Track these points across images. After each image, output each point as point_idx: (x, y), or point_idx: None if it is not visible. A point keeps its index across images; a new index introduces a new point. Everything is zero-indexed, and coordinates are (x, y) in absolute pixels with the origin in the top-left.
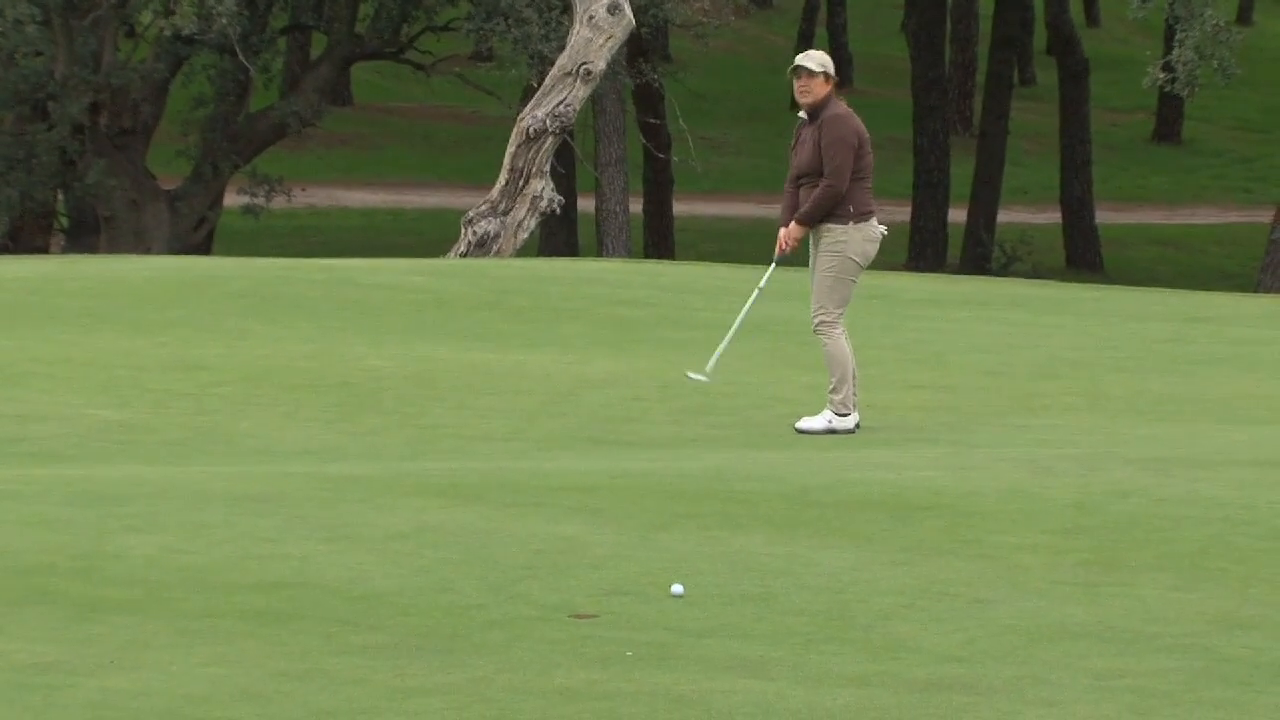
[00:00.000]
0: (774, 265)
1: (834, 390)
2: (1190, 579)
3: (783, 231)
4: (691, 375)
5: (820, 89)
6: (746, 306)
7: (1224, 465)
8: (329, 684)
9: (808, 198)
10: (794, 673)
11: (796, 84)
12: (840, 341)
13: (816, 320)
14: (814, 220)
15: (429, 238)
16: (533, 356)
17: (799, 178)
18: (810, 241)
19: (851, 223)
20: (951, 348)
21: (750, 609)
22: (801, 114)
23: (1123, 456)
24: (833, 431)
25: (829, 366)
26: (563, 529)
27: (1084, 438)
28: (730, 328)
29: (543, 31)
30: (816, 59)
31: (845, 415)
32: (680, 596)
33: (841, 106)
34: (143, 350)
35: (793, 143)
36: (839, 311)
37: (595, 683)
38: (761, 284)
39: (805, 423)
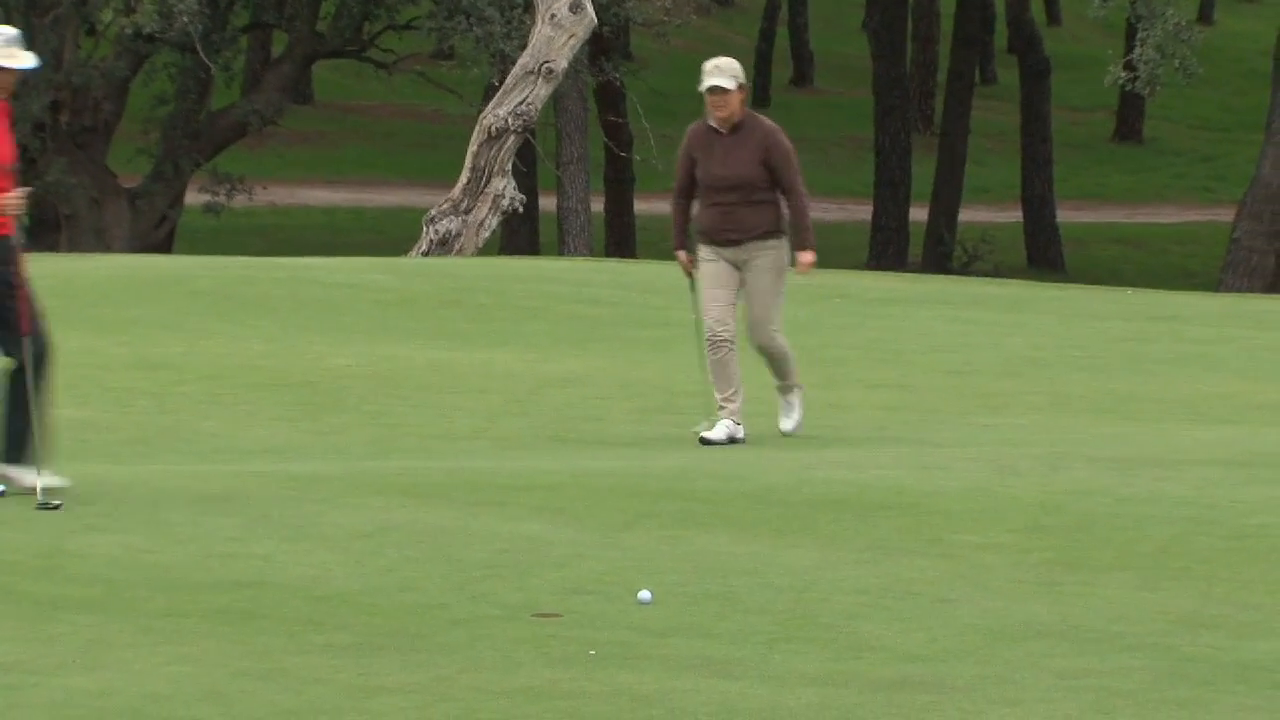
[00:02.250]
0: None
1: (795, 388)
2: (1153, 578)
3: (805, 258)
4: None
5: (739, 102)
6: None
7: (1186, 464)
8: (292, 683)
9: (741, 213)
10: (757, 672)
11: (710, 100)
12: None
13: (770, 336)
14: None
15: (391, 236)
16: (495, 355)
17: (727, 189)
18: (712, 253)
19: (785, 237)
20: (913, 347)
21: (713, 608)
22: (710, 123)
23: (1085, 455)
24: (734, 440)
25: (782, 369)
26: (526, 528)
27: (1046, 437)
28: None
29: (504, 30)
30: (730, 73)
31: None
32: (648, 604)
33: (766, 118)
34: (104, 349)
35: (694, 154)
36: (780, 320)
37: (558, 682)
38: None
39: (786, 423)
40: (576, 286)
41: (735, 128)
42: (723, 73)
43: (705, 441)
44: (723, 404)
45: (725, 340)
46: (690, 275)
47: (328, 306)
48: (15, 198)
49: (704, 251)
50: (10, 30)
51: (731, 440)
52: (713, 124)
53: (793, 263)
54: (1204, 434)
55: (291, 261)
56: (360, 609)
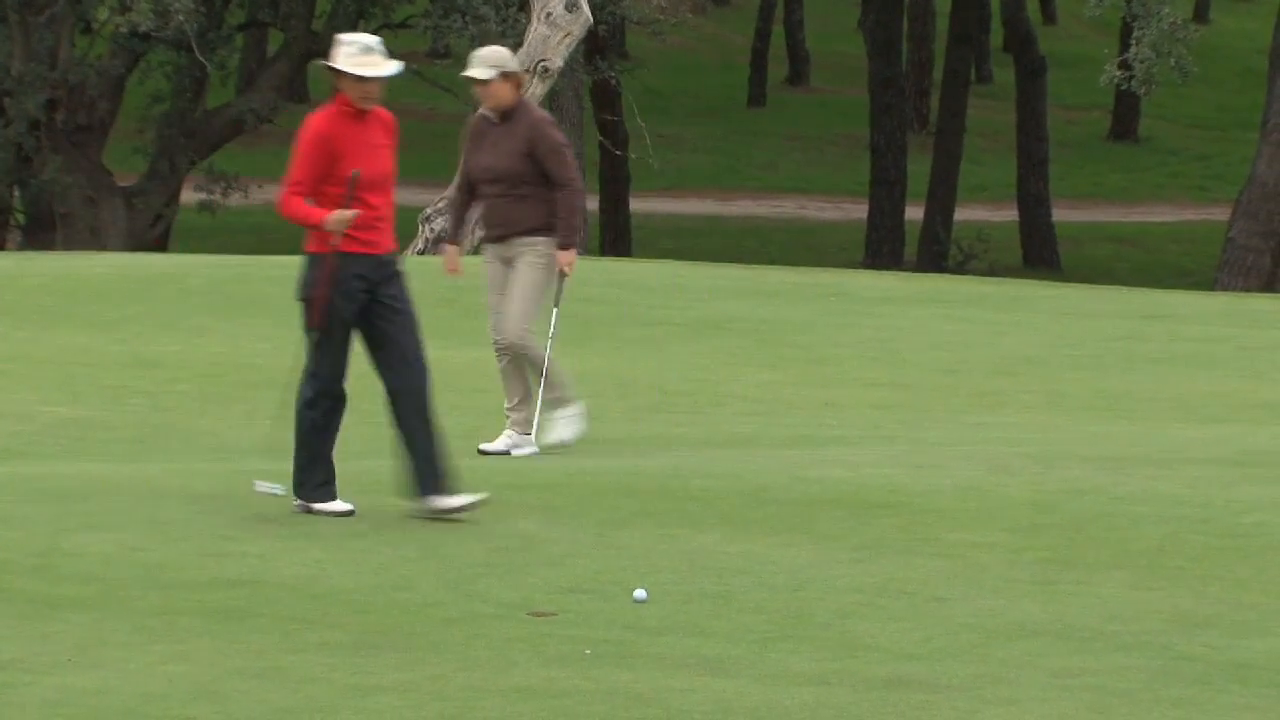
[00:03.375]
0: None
1: (562, 402)
2: (1148, 577)
3: (564, 257)
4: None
5: (505, 91)
6: (548, 353)
7: (1181, 463)
8: (286, 682)
9: (505, 207)
10: (752, 671)
11: (475, 90)
12: (544, 352)
13: (521, 336)
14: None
15: None
16: (490, 354)
17: (491, 182)
18: (490, 254)
19: (550, 235)
20: (908, 345)
21: (708, 607)
22: (485, 112)
23: (1080, 454)
24: (560, 445)
25: (551, 383)
26: (520, 526)
27: (1041, 435)
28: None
29: (500, 29)
30: (489, 62)
31: (578, 415)
32: (643, 602)
33: (540, 109)
34: (99, 347)
35: (468, 143)
36: (534, 321)
37: (553, 680)
38: (552, 332)
39: (555, 436)
40: (571, 285)
41: (505, 118)
42: (483, 62)
43: (482, 452)
44: (508, 413)
45: (505, 347)
46: (452, 273)
47: None
48: (342, 216)
49: (485, 252)
50: (366, 38)
51: (510, 451)
52: (487, 114)
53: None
54: (1198, 433)
55: (287, 260)
56: (355, 607)
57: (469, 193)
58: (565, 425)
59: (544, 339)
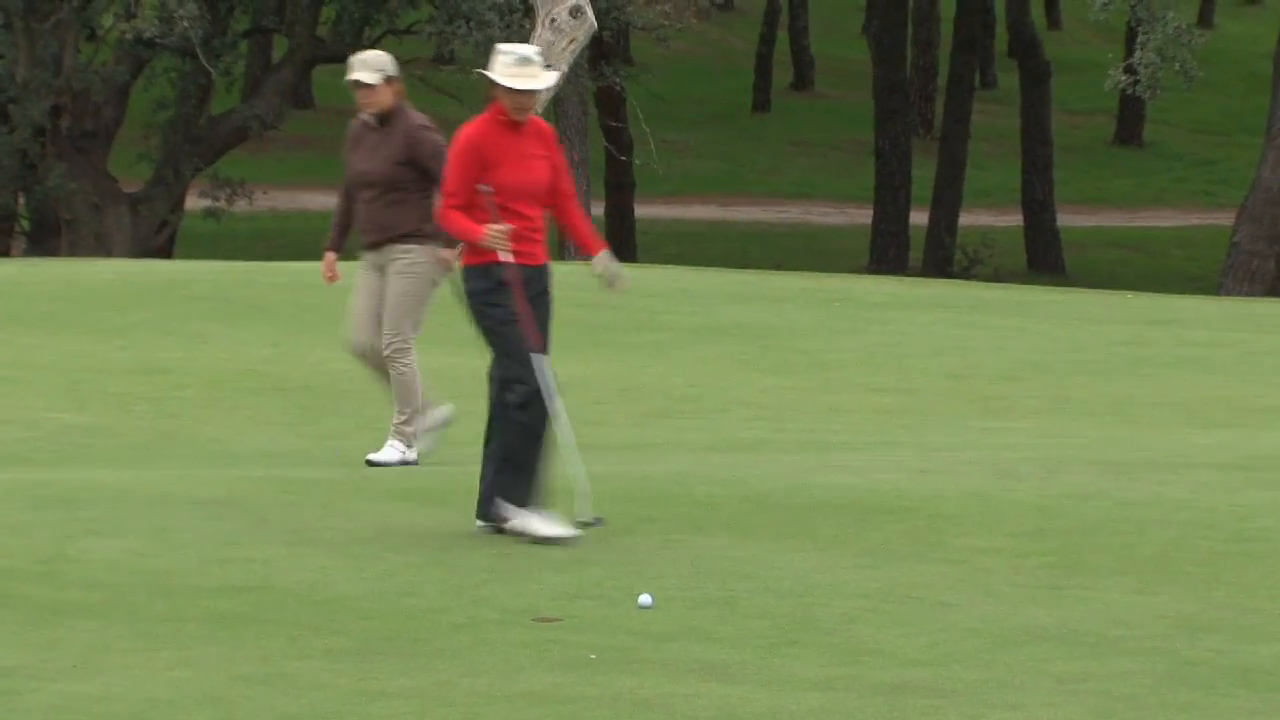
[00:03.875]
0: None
1: (406, 422)
2: (1153, 582)
3: (447, 254)
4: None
5: (386, 95)
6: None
7: (1186, 468)
8: (292, 688)
9: (379, 212)
10: (758, 676)
11: (358, 94)
12: (415, 369)
13: (391, 347)
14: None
15: None
16: None
17: (366, 186)
18: (365, 261)
19: (430, 243)
20: (913, 351)
21: (714, 612)
22: (364, 117)
23: (1085, 459)
24: (405, 463)
25: (401, 396)
26: None
27: (1046, 440)
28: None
29: (504, 34)
30: (373, 66)
31: (412, 447)
32: (649, 608)
33: (420, 114)
34: (104, 354)
35: (349, 147)
36: (415, 336)
37: (559, 686)
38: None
39: (378, 455)
40: (576, 290)
41: (384, 123)
42: (367, 66)
43: (370, 463)
44: (398, 424)
45: (364, 356)
46: (329, 280)
47: (328, 311)
48: (499, 231)
49: (360, 258)
50: (524, 49)
51: (404, 463)
52: (365, 118)
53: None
54: (1204, 438)
55: (292, 266)
56: (360, 614)
57: (349, 199)
58: (392, 451)
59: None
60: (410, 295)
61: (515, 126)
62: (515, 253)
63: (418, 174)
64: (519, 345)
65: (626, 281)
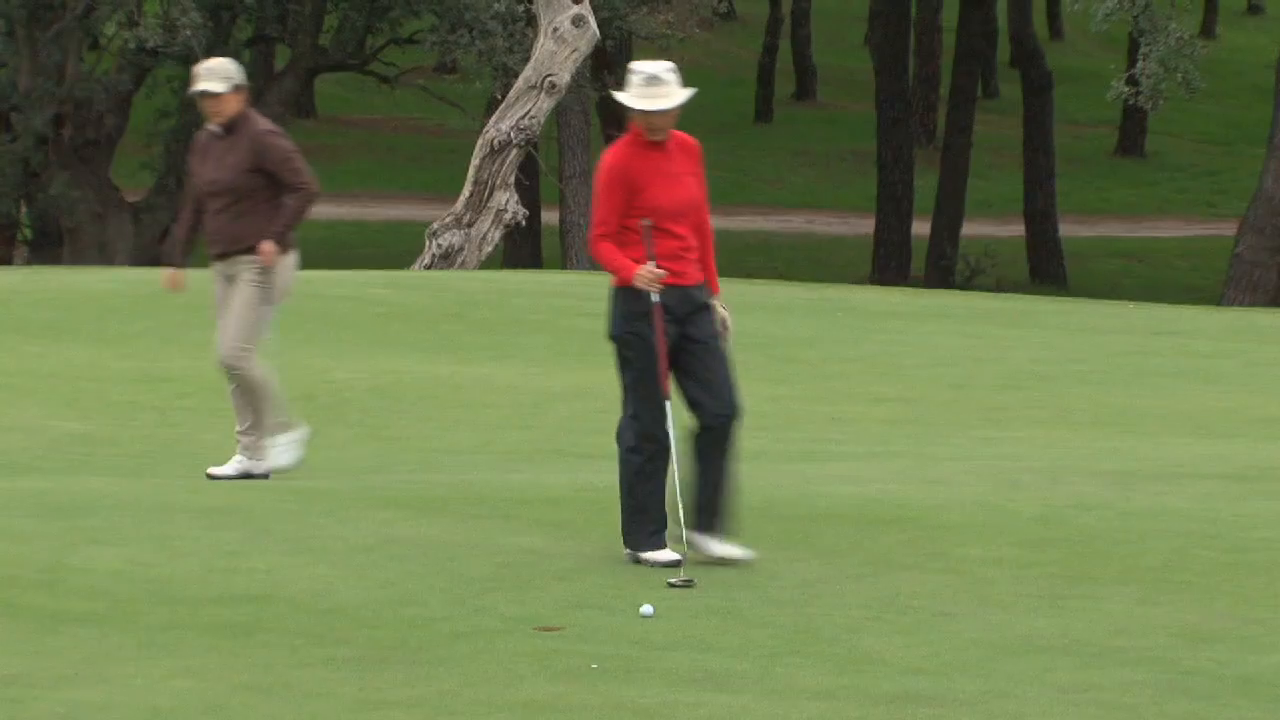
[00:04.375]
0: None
1: (247, 432)
2: (1155, 592)
3: (265, 246)
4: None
5: (232, 104)
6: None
7: (1188, 478)
8: (293, 697)
9: (226, 222)
10: (759, 686)
11: (204, 104)
12: (260, 380)
13: (236, 356)
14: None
15: (393, 250)
16: (498, 369)
17: (213, 196)
18: (215, 271)
19: (288, 247)
20: (915, 361)
21: (715, 622)
22: (210, 126)
23: (1087, 470)
24: (248, 475)
25: (254, 404)
26: (528, 541)
27: (1048, 451)
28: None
29: (507, 44)
30: (220, 75)
31: (256, 459)
32: (650, 617)
33: (266, 120)
34: (107, 362)
35: (196, 157)
36: (255, 345)
37: (560, 695)
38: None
39: (219, 469)
40: (579, 300)
41: (230, 131)
42: (213, 75)
43: (211, 476)
44: (239, 436)
45: (229, 364)
46: (173, 289)
47: (330, 320)
48: (651, 275)
49: (212, 270)
50: (653, 67)
51: (246, 475)
52: (212, 128)
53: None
54: (1206, 448)
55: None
56: (362, 623)
57: (194, 210)
58: (283, 452)
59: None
60: (255, 306)
61: (658, 145)
62: (669, 272)
63: (266, 181)
64: (653, 391)
65: (729, 332)
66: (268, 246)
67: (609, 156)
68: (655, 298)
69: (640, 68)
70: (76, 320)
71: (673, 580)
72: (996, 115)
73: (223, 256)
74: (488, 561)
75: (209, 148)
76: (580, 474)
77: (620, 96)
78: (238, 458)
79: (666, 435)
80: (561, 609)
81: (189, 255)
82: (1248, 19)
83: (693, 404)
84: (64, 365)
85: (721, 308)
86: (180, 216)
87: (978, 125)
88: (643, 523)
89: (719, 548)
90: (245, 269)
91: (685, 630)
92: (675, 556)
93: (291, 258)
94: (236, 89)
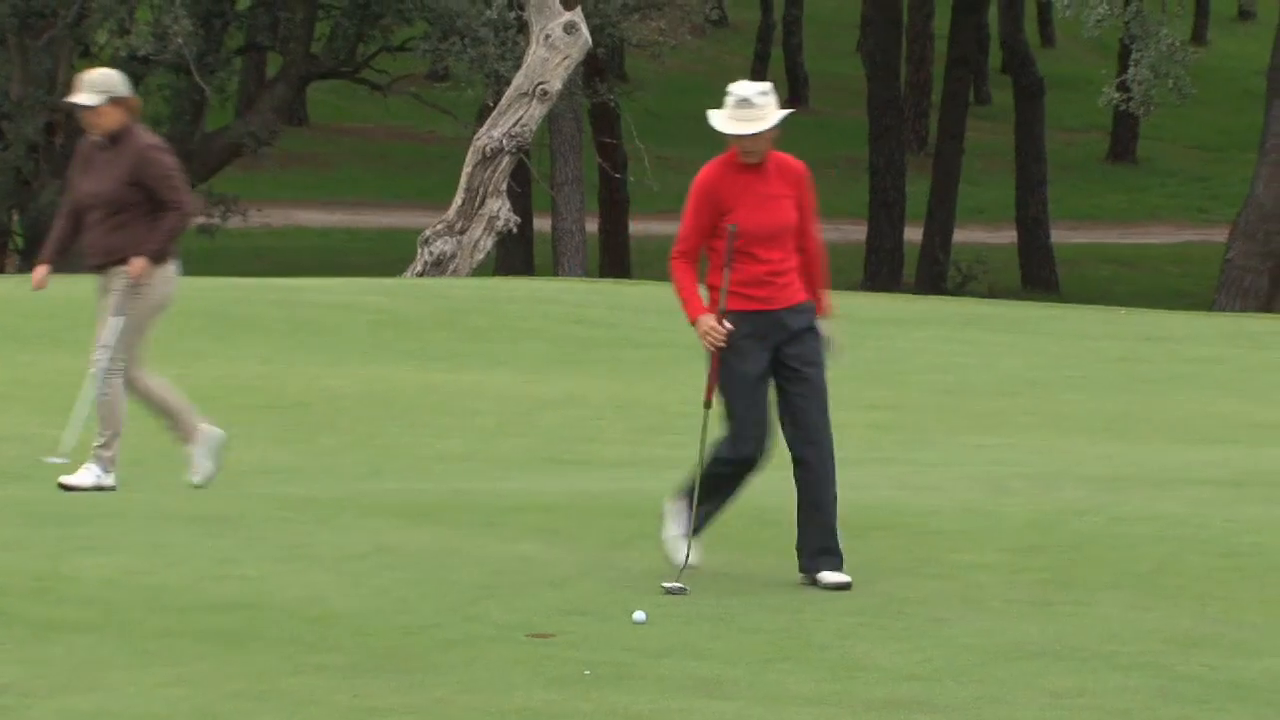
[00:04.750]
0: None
1: (105, 445)
2: (1147, 597)
3: (135, 263)
4: (49, 459)
5: (111, 117)
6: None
7: (1180, 484)
8: (286, 704)
9: (102, 235)
10: (751, 692)
11: (81, 116)
12: (121, 392)
13: (99, 366)
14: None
15: (385, 257)
16: (490, 376)
17: (89, 208)
18: (97, 284)
19: (156, 265)
20: (907, 367)
21: (708, 628)
22: (94, 137)
23: (1079, 475)
24: (100, 488)
25: (104, 418)
26: (520, 548)
27: (1040, 456)
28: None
29: (499, 51)
30: (97, 88)
31: (109, 472)
32: (643, 623)
33: (151, 134)
34: None
35: (79, 167)
36: (131, 355)
37: (553, 702)
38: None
39: (71, 478)
40: (571, 307)
41: (114, 142)
42: (89, 88)
43: (64, 486)
44: (95, 450)
45: (95, 370)
46: (36, 287)
47: (322, 328)
48: (708, 330)
49: (96, 282)
50: (745, 89)
51: (99, 488)
52: (96, 139)
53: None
54: (1197, 453)
55: (286, 283)
56: (355, 630)
57: (71, 219)
58: (88, 474)
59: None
60: (138, 315)
61: (754, 167)
62: (754, 298)
63: (145, 196)
64: (733, 416)
65: (837, 351)
66: (137, 264)
67: (701, 173)
68: (709, 349)
69: (735, 89)
70: (69, 329)
71: (667, 585)
72: (988, 122)
73: (101, 269)
74: (480, 569)
75: (91, 158)
76: (572, 481)
77: (712, 117)
78: (91, 466)
79: (756, 458)
80: (554, 616)
81: (60, 260)
82: (1238, 25)
83: (785, 436)
84: (57, 374)
85: (828, 326)
86: (56, 223)
87: (969, 131)
88: (689, 512)
89: (837, 578)
90: (119, 281)
91: (678, 637)
92: (681, 560)
93: (171, 269)
94: (114, 101)
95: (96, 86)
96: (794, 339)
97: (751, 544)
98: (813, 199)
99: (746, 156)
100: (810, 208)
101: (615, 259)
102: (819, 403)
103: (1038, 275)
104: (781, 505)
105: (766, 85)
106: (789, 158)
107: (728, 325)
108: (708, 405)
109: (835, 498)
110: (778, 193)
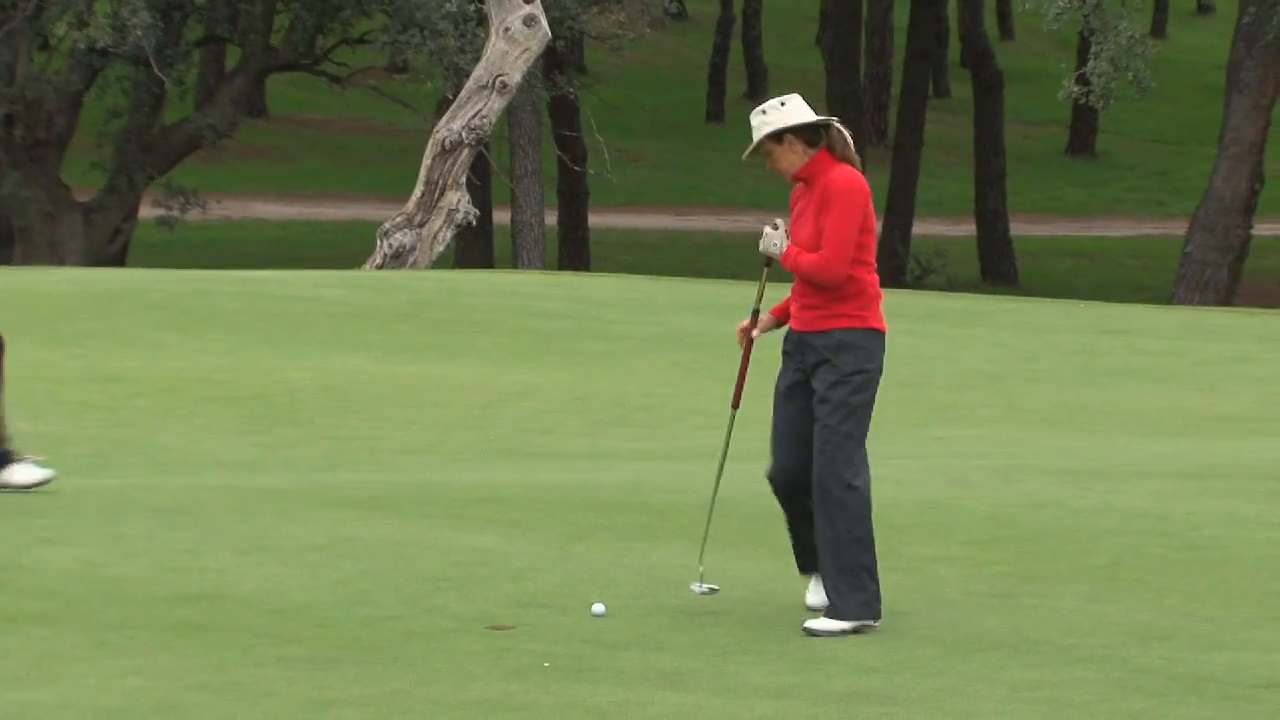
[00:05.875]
0: None
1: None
2: (1106, 590)
3: None
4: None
5: None
6: None
7: (1139, 477)
8: (247, 696)
9: None
10: (711, 684)
11: None
12: None
13: None
14: None
15: (345, 250)
16: (449, 369)
17: None
18: None
19: None
20: None
21: (667, 620)
22: None
23: (1038, 468)
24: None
25: None
26: (479, 541)
27: (999, 449)
28: None
29: (458, 44)
30: None
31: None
32: (602, 616)
33: None
34: (58, 362)
35: None
36: None
37: (513, 694)
38: None
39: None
40: (530, 300)
41: None
42: None
43: None
44: None
45: None
46: None
47: (282, 320)
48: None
49: None
50: (763, 108)
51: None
52: None
53: None
54: (1157, 446)
55: (245, 275)
56: (315, 622)
57: None
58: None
59: None
60: None
61: (804, 183)
62: (789, 314)
63: None
64: (772, 432)
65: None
66: None
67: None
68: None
69: (762, 108)
70: (28, 320)
71: (696, 587)
72: (947, 115)
73: None
74: (439, 560)
75: None
76: (531, 473)
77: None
78: None
79: (798, 481)
80: (513, 608)
81: None
82: (1197, 19)
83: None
84: (15, 365)
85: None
86: None
87: (928, 125)
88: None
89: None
90: None
91: (637, 629)
92: (814, 601)
93: None
94: None
95: None
96: (817, 369)
97: (711, 536)
98: (831, 219)
99: (779, 174)
100: (824, 228)
101: (574, 252)
102: (818, 443)
103: (997, 268)
104: (740, 498)
105: (771, 103)
106: (832, 177)
107: (753, 332)
108: (735, 406)
109: (827, 543)
110: (807, 209)
